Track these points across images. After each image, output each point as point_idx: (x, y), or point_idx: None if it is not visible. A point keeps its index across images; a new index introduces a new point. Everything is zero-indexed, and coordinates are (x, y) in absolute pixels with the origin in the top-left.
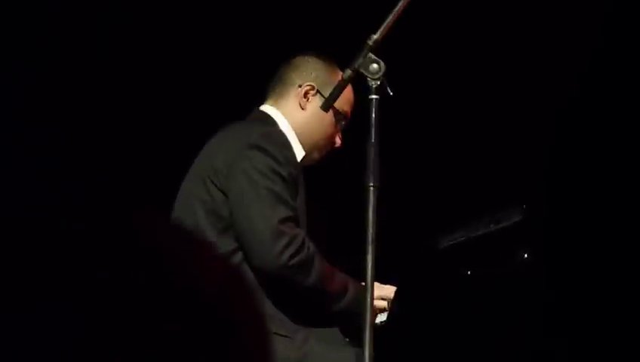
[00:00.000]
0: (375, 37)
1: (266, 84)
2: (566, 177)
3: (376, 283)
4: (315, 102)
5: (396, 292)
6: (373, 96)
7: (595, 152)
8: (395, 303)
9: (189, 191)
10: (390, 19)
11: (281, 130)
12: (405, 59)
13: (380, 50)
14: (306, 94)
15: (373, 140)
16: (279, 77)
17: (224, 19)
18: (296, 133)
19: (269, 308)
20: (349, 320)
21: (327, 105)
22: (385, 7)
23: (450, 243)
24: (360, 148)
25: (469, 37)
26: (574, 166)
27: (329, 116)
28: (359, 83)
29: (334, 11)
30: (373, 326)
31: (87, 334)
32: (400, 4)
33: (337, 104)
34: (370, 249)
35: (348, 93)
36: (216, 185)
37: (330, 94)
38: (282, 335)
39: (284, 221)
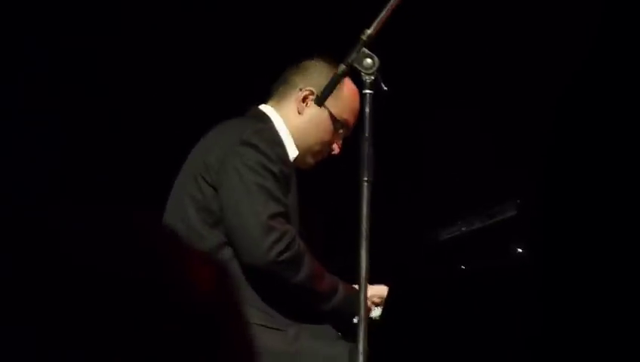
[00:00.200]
0: (369, 32)
1: (270, 84)
2: (560, 172)
3: None
4: (314, 107)
5: (390, 287)
6: (367, 91)
7: (589, 147)
8: (389, 298)
9: (181, 188)
10: (384, 14)
11: (274, 128)
12: (399, 54)
13: (373, 45)
14: (305, 98)
15: (367, 135)
16: (284, 78)
17: (224, 19)
18: (291, 135)
19: (260, 303)
20: (339, 320)
21: (320, 101)
22: (379, 2)
23: (444, 237)
24: (354, 144)
25: (463, 32)
26: (568, 160)
27: (326, 123)
28: (353, 78)
29: (328, 6)
30: (367, 320)
31: (74, 332)
32: None
33: (337, 111)
34: (364, 244)
35: (351, 102)
36: (207, 181)
37: (323, 89)
38: (275, 329)
39: (274, 217)
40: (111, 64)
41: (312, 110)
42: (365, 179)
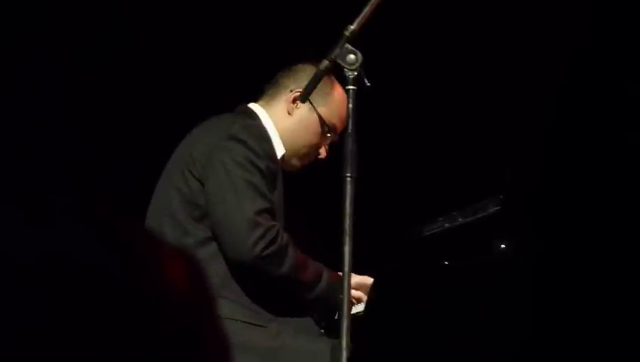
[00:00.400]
0: (352, 27)
1: (254, 83)
2: (544, 167)
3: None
4: (304, 109)
5: (373, 283)
6: (350, 87)
7: (574, 143)
8: (372, 293)
9: (168, 181)
10: (367, 9)
11: (262, 124)
12: (383, 50)
13: (356, 40)
14: (295, 100)
15: (350, 131)
16: (276, 80)
17: (223, 19)
18: (280, 136)
19: (245, 299)
20: (324, 307)
21: (304, 97)
22: None
23: (428, 233)
24: (338, 140)
25: (448, 26)
26: (553, 155)
27: (315, 125)
28: (336, 74)
29: (312, 2)
30: (350, 316)
31: (52, 331)
32: None
33: (327, 115)
34: (347, 240)
35: (339, 108)
36: (193, 175)
37: (306, 85)
38: (259, 326)
39: (260, 213)
40: (110, 64)
41: (301, 111)
42: (348, 175)
